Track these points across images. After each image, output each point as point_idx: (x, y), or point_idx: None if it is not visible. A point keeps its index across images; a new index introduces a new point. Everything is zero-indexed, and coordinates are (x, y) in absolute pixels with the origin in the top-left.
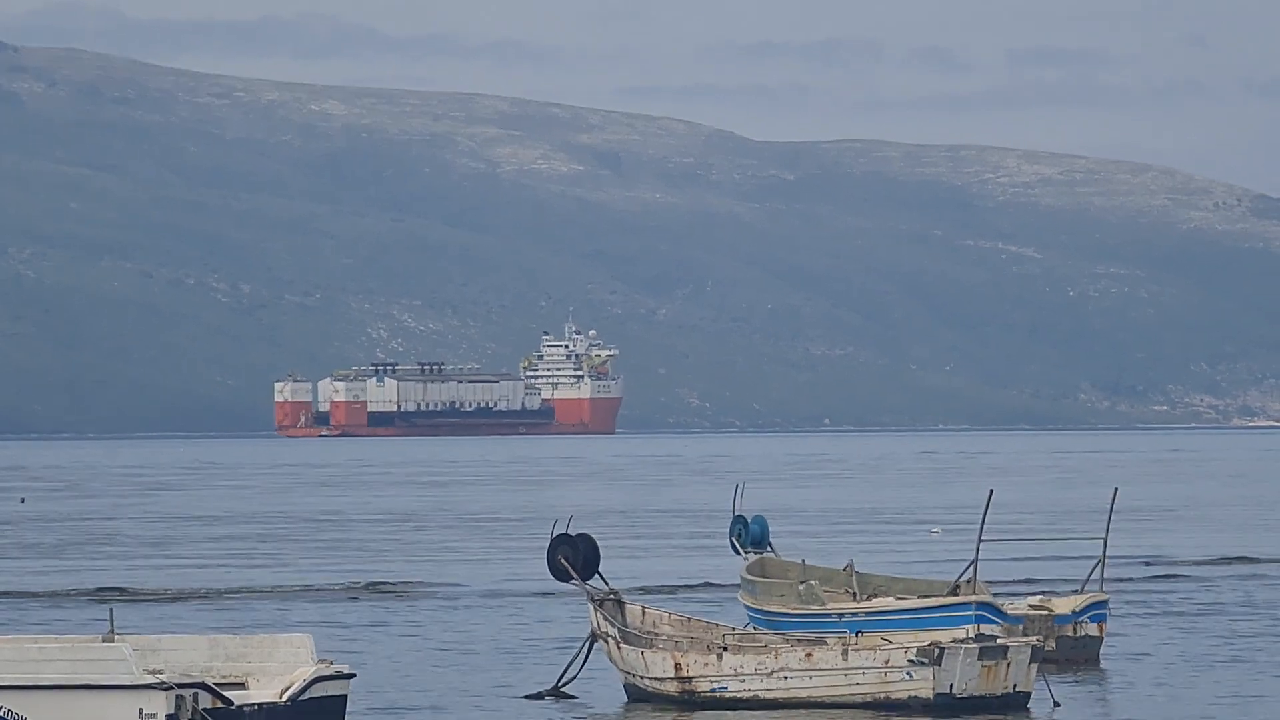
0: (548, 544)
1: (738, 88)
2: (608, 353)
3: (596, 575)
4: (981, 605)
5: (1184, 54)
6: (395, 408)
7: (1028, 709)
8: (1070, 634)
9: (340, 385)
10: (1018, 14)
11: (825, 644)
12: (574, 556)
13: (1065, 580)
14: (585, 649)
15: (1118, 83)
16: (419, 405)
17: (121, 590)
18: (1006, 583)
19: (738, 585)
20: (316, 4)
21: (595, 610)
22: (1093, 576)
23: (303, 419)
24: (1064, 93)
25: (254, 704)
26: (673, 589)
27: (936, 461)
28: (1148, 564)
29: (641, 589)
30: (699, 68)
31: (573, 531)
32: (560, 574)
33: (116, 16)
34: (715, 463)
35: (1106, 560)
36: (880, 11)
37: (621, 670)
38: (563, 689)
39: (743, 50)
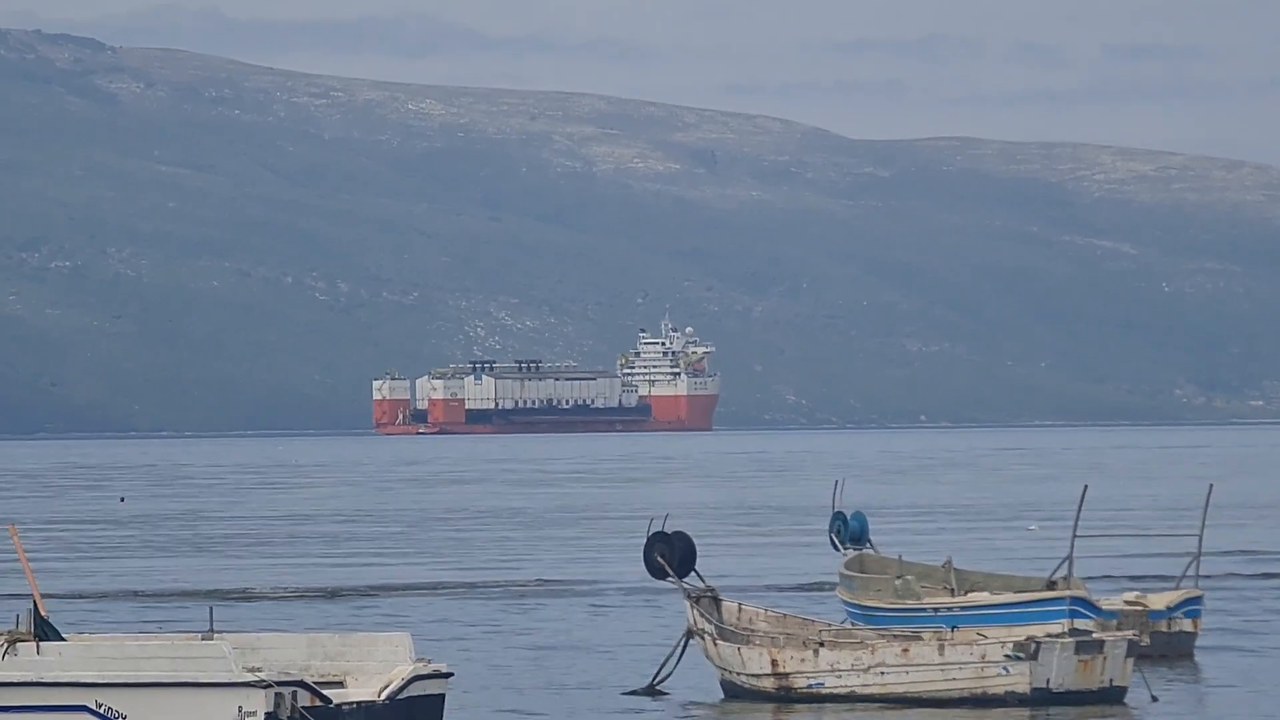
0: (644, 542)
1: (835, 85)
2: (704, 350)
3: (693, 572)
4: (1075, 600)
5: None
6: (493, 405)
7: (1124, 703)
8: (1165, 629)
9: (438, 383)
10: (1117, 9)
11: (921, 639)
12: (670, 554)
13: (1162, 576)
14: (681, 646)
15: (1214, 78)
16: (516, 403)
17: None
18: (1107, 579)
19: (833, 583)
20: (414, 3)
21: (691, 607)
22: (1188, 572)
23: (400, 417)
24: (1160, 88)
25: (352, 702)
26: (769, 586)
27: (1032, 457)
28: (1244, 559)
29: (739, 586)
30: (798, 65)
31: (669, 529)
32: (657, 571)
33: (215, 17)
34: (812, 459)
35: (1202, 556)
36: (980, 7)
37: (718, 667)
38: (658, 686)
39: (842, 47)
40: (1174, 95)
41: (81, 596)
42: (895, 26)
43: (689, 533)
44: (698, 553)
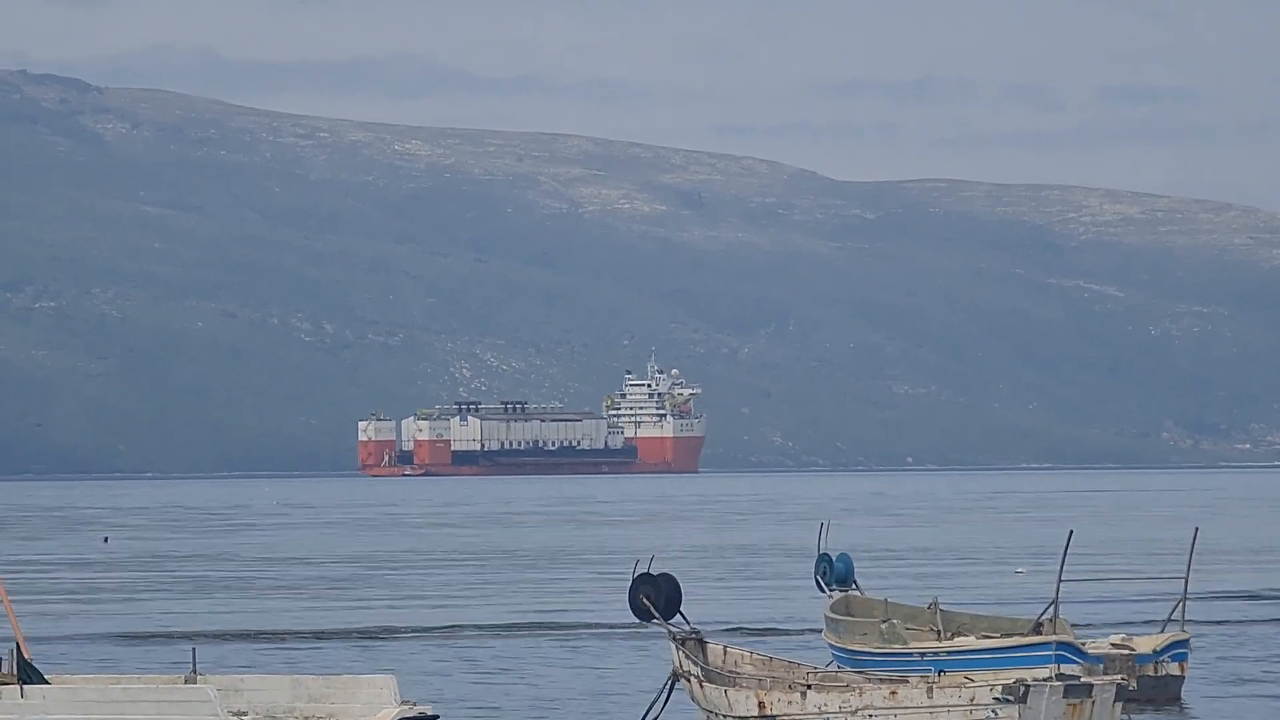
0: (630, 583)
1: (828, 126)
2: (690, 392)
3: (678, 614)
4: (1062, 645)
5: (1273, 92)
6: (479, 447)
7: None
8: (1152, 673)
9: (424, 424)
10: (1112, 51)
11: (909, 682)
12: (655, 596)
13: (1149, 619)
14: (667, 688)
15: (1205, 120)
16: (502, 444)
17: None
18: (1093, 622)
19: (818, 625)
20: (408, 44)
21: (677, 649)
22: (1174, 616)
23: (386, 458)
24: (1152, 130)
25: None
26: (754, 629)
27: (1019, 500)
28: (1231, 602)
29: (726, 628)
30: (791, 106)
31: (654, 571)
32: (642, 613)
33: (210, 57)
34: (798, 501)
35: (1188, 599)
36: (975, 49)
37: (704, 709)
38: None
39: (835, 89)
40: (1166, 138)
41: (65, 639)
42: (889, 68)
43: (674, 575)
44: (683, 595)
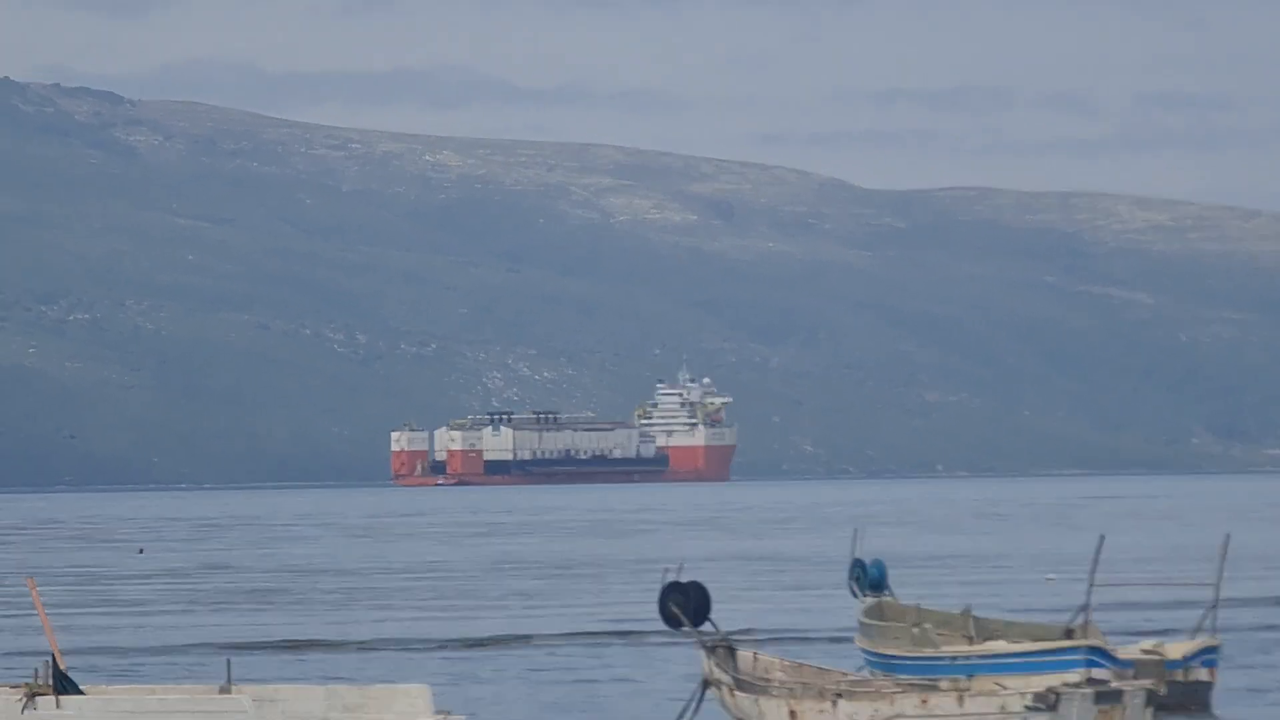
0: (660, 591)
1: (865, 134)
2: (721, 400)
3: (708, 622)
4: (1092, 649)
5: None
6: (511, 456)
7: None
8: (1181, 679)
9: (456, 434)
10: (1149, 58)
11: (940, 689)
12: (685, 604)
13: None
14: (697, 696)
15: (1240, 126)
16: (534, 453)
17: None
18: (1124, 628)
19: (851, 631)
20: (451, 55)
21: (707, 657)
22: (1204, 621)
23: (419, 468)
24: (1187, 138)
25: None
26: (785, 635)
27: (1051, 507)
28: (1262, 608)
29: (756, 636)
30: (827, 116)
31: (683, 579)
32: (672, 621)
33: (251, 70)
34: (830, 508)
35: (1219, 605)
36: (1012, 56)
37: (734, 717)
38: None
39: (872, 97)
40: (1201, 145)
41: (100, 650)
42: (926, 77)
43: (703, 583)
44: (712, 602)
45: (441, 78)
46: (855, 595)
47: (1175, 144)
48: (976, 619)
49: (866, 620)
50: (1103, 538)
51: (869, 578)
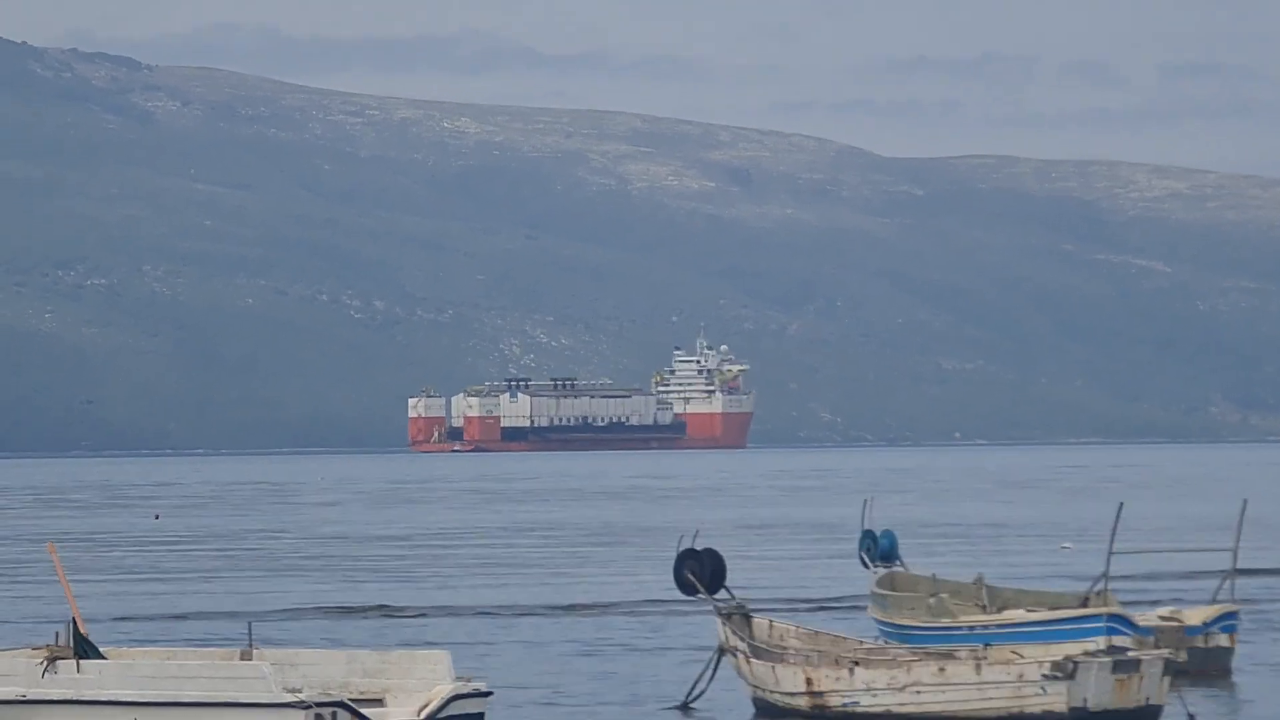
0: (675, 558)
1: (886, 104)
2: (739, 368)
3: (724, 589)
4: (1113, 617)
5: None
6: (528, 423)
7: None
8: (1201, 645)
9: (473, 401)
10: (1176, 28)
11: (957, 658)
12: (700, 570)
13: (1197, 592)
14: (713, 663)
15: (1265, 96)
16: (552, 420)
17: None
18: (1143, 595)
19: (862, 601)
20: (472, 20)
21: (723, 624)
22: (1223, 588)
23: (436, 434)
24: (1212, 107)
25: None
26: (799, 603)
27: (1066, 475)
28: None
29: (771, 603)
30: (850, 84)
31: (699, 546)
32: (687, 588)
33: (274, 35)
34: (845, 476)
35: (1237, 572)
36: (1037, 25)
37: (750, 684)
38: (691, 704)
39: (895, 66)
40: (1225, 114)
41: (122, 614)
42: (949, 45)
43: (719, 549)
44: (728, 569)
45: (464, 44)
46: (866, 566)
47: (1199, 114)
48: (990, 588)
49: (879, 591)
50: (1122, 505)
51: (880, 548)
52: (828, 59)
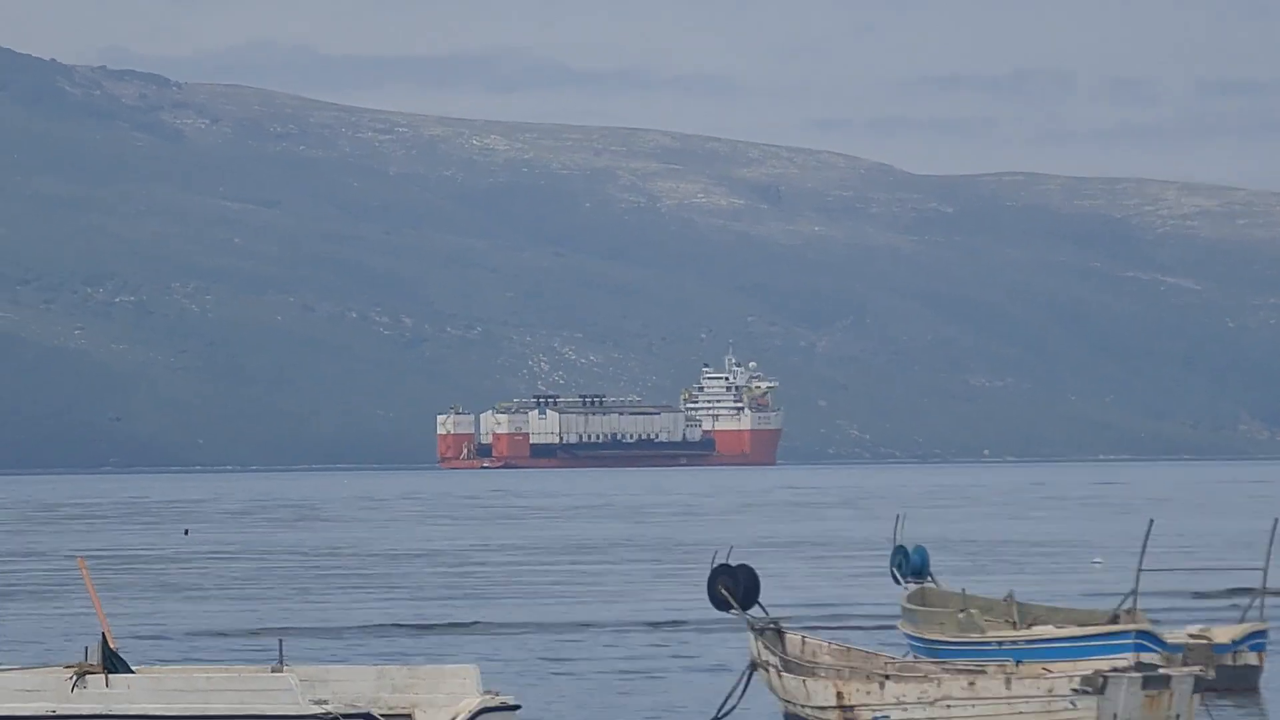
0: (709, 574)
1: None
2: (768, 384)
3: (756, 605)
4: (1141, 634)
5: None
6: (557, 439)
7: None
8: (1230, 663)
9: (502, 418)
10: (1212, 44)
11: (987, 673)
12: (734, 586)
13: (1228, 610)
14: (745, 678)
15: None
16: (580, 437)
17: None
18: (1175, 618)
19: (894, 617)
20: (510, 38)
21: (755, 639)
22: (1253, 606)
23: (465, 451)
24: (1246, 124)
25: None
26: (831, 620)
27: (1097, 492)
28: None
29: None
30: (882, 102)
31: (732, 562)
32: (720, 604)
33: (310, 52)
34: (875, 494)
35: (1268, 591)
36: (1073, 42)
37: (782, 699)
38: (723, 718)
39: (929, 82)
40: (1258, 132)
41: (151, 631)
42: (985, 62)
43: (752, 566)
44: (761, 585)
45: (499, 61)
46: (898, 582)
47: (1232, 131)
48: (1020, 605)
49: (910, 606)
50: (1152, 521)
51: (910, 564)
52: (863, 76)
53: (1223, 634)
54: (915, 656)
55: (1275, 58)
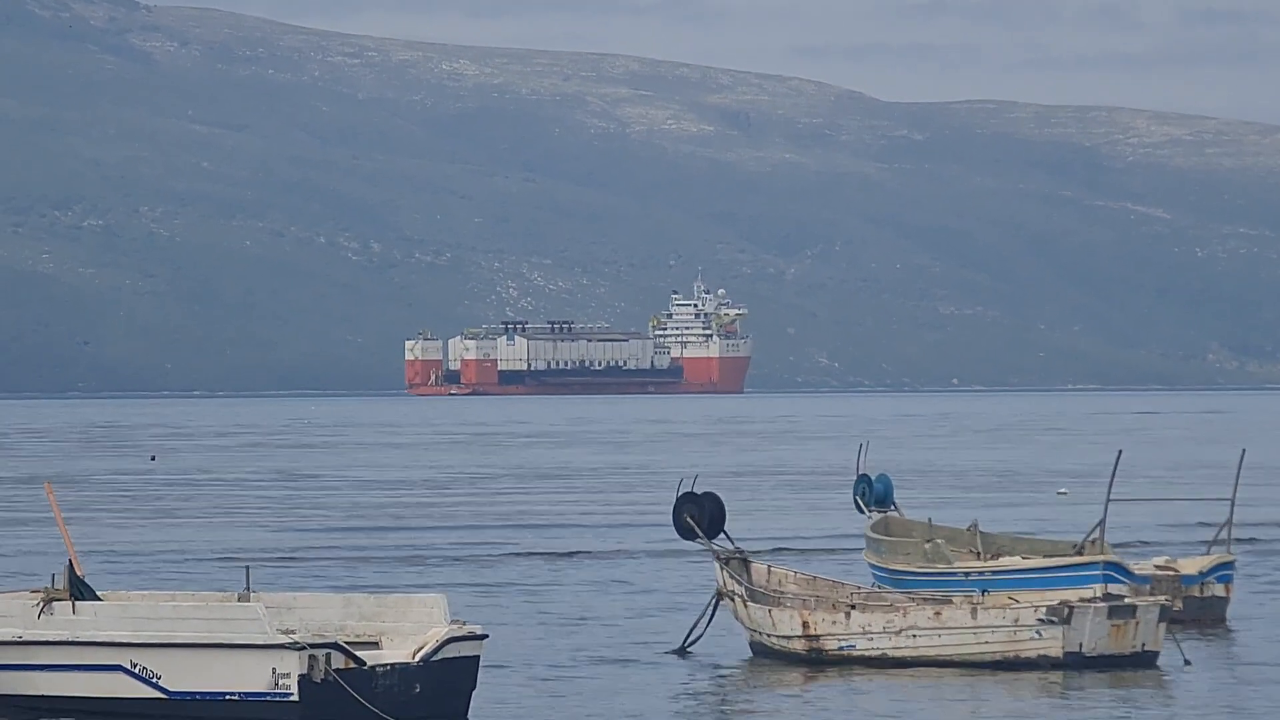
0: (674, 502)
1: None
2: (736, 312)
3: (722, 534)
4: (1109, 565)
5: None
6: (525, 366)
7: (1157, 667)
8: (1197, 594)
9: (471, 344)
10: None
11: (953, 603)
12: (699, 515)
13: (1194, 541)
14: (711, 607)
15: (1275, 42)
16: (549, 364)
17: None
18: (1140, 548)
19: (857, 545)
20: None
21: (721, 569)
22: (1220, 537)
23: (433, 377)
24: (1226, 53)
25: (386, 664)
26: (794, 548)
27: (1063, 421)
28: (1277, 526)
29: (769, 548)
30: (864, 28)
31: (698, 490)
32: (686, 532)
33: None
34: (841, 422)
35: (1234, 522)
36: None
37: (748, 628)
38: (689, 648)
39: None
40: (1238, 60)
41: (117, 556)
42: None
43: (718, 493)
44: (727, 514)
45: None
46: (861, 511)
47: (1213, 60)
48: (984, 534)
49: (875, 536)
50: (1121, 452)
51: (874, 493)
52: (846, 3)
53: (1190, 565)
54: (881, 587)
55: None
